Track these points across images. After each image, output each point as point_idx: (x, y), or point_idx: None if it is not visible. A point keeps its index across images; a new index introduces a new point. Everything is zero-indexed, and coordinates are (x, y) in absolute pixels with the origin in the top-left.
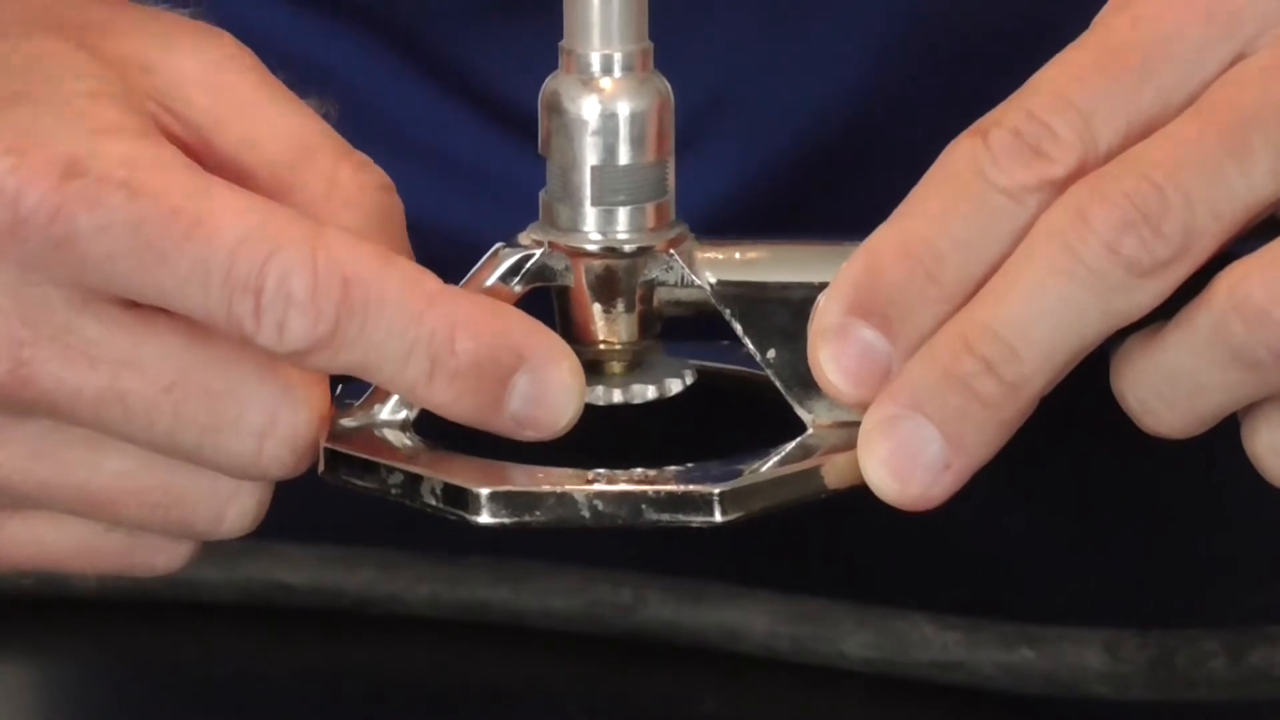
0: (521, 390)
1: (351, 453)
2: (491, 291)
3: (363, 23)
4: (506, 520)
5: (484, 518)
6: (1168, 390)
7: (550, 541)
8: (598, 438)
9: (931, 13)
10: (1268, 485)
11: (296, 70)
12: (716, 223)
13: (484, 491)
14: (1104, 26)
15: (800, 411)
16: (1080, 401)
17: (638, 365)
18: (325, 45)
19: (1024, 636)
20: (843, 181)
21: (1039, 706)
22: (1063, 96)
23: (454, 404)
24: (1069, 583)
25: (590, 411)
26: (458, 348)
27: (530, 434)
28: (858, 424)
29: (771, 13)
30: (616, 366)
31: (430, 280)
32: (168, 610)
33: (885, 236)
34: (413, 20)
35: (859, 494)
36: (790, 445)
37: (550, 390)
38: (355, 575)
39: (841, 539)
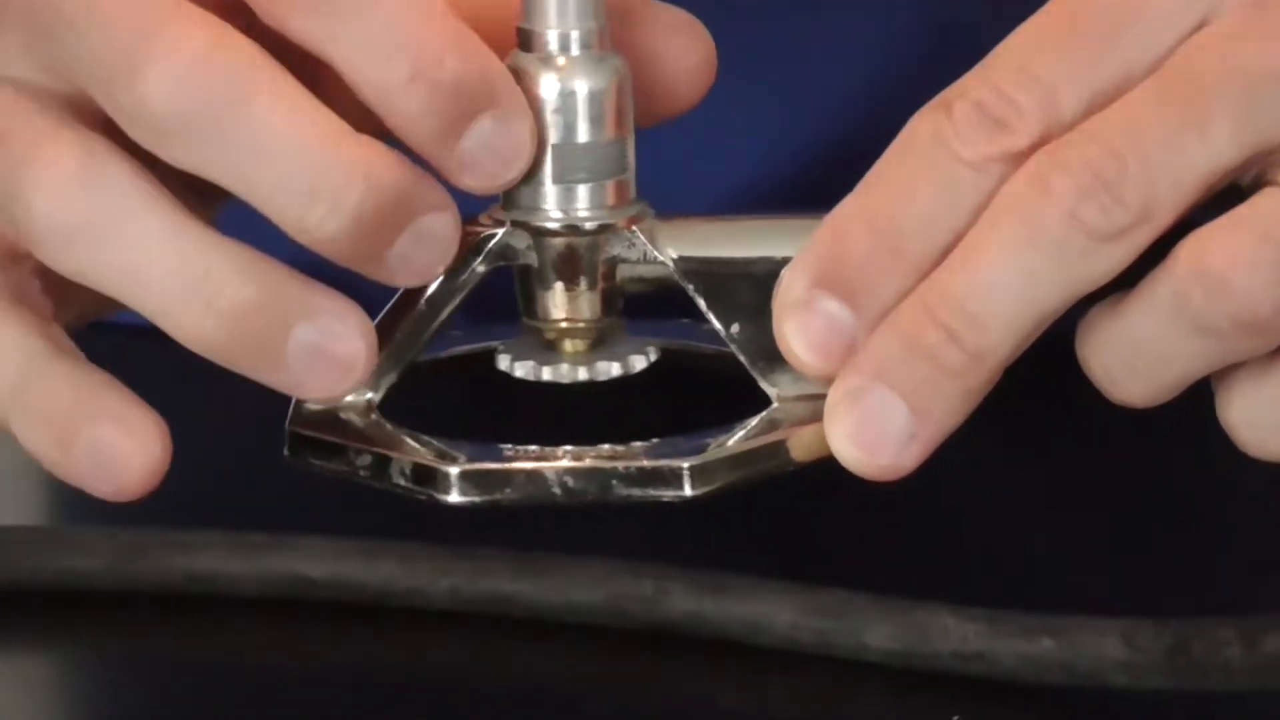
0: (483, 128)
1: (317, 435)
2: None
3: None
4: (477, 499)
5: (454, 497)
6: (1131, 359)
7: (570, 532)
8: (563, 415)
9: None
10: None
11: None
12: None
13: (454, 470)
14: None
15: (765, 386)
16: (1095, 396)
17: (601, 343)
18: None
19: (1045, 627)
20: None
21: (1055, 696)
22: (1025, 68)
23: (418, 117)
24: (1085, 574)
25: (554, 389)
26: (445, 64)
27: (470, 181)
28: (823, 397)
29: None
30: (580, 344)
31: (441, 3)
32: (187, 603)
33: (849, 210)
34: None
35: (841, 470)
36: (756, 419)
37: (509, 140)
38: (375, 568)
39: (861, 532)
